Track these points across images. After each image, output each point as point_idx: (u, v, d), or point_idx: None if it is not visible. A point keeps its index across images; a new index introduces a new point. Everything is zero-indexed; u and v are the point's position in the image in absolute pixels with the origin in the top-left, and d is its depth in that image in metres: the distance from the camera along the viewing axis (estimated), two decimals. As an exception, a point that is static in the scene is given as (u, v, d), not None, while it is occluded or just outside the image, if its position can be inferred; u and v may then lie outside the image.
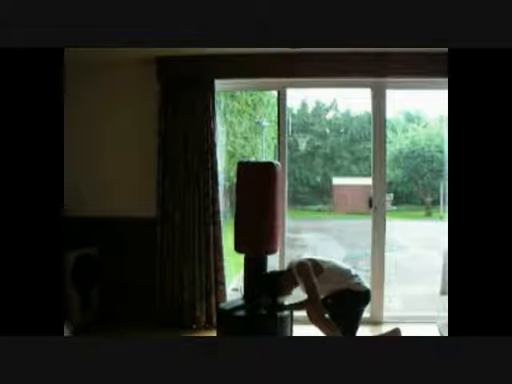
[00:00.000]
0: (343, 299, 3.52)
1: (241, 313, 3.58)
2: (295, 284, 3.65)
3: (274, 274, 3.76)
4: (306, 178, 11.27)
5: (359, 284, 3.58)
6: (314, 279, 3.53)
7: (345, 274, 3.62)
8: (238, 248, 3.72)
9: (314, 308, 3.52)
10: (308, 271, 3.55)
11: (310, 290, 3.53)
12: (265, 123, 9.42)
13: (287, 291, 3.68)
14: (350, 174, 10.97)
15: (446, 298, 3.48)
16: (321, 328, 3.54)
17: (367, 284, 3.67)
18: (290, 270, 3.67)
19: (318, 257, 3.72)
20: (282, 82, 4.49)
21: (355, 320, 3.57)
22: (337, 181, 11.24)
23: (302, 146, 10.81)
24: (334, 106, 10.94)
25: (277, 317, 3.53)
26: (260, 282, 3.66)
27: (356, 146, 10.88)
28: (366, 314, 4.29)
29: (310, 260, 3.64)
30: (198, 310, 4.34)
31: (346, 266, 3.73)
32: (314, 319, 3.54)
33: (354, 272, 3.66)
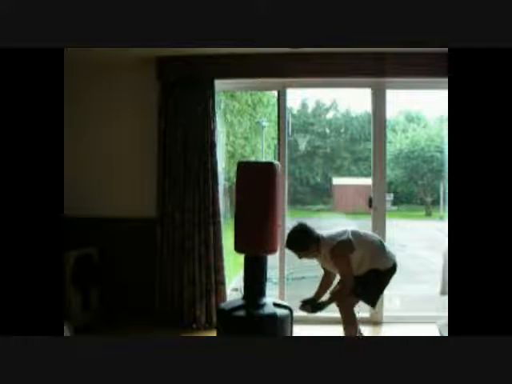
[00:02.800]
0: (368, 279, 3.50)
1: (241, 313, 3.58)
2: (316, 255, 3.54)
3: (306, 228, 3.57)
4: (306, 178, 11.29)
5: (386, 261, 3.53)
6: (351, 267, 3.45)
7: (377, 253, 3.54)
8: (238, 248, 3.72)
9: (346, 295, 3.49)
10: (346, 253, 3.45)
11: (345, 275, 3.48)
12: (265, 123, 9.44)
13: (306, 255, 3.56)
14: (349, 173, 10.99)
15: (446, 298, 3.48)
16: (346, 319, 3.52)
17: (395, 256, 3.61)
18: (319, 239, 3.52)
19: (357, 231, 3.57)
20: (282, 81, 4.48)
21: (380, 290, 3.61)
22: (337, 181, 11.26)
23: (302, 146, 10.83)
24: (333, 105, 10.96)
25: (277, 317, 3.53)
26: (291, 233, 3.58)
27: (356, 146, 10.90)
28: (365, 313, 4.30)
29: (353, 234, 3.53)
30: (198, 309, 4.34)
31: (378, 241, 3.63)
32: (344, 309, 3.52)
33: (385, 247, 3.60)
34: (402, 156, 11.43)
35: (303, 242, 3.52)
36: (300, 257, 3.60)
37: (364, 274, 3.52)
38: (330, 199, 11.51)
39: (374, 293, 3.58)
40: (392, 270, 3.58)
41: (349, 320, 3.54)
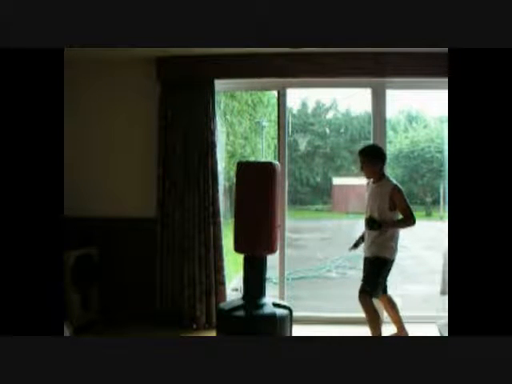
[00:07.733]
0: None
1: (240, 313, 3.58)
2: (374, 176, 3.77)
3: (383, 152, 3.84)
4: (306, 178, 11.28)
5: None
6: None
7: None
8: (238, 248, 3.72)
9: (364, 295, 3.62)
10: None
11: (407, 209, 3.70)
12: (265, 123, 9.43)
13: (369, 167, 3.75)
14: (349, 173, 10.98)
15: (445, 298, 3.48)
16: (367, 317, 3.63)
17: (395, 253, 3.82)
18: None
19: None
20: (282, 81, 4.49)
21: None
22: (337, 181, 11.24)
23: (302, 146, 10.82)
24: (333, 106, 10.95)
25: (276, 317, 3.53)
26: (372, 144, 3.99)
27: (356, 146, 10.87)
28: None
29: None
30: (197, 310, 4.34)
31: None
32: (363, 304, 3.62)
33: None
34: (402, 156, 11.42)
35: (378, 154, 3.76)
36: (361, 167, 3.77)
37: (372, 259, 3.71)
38: (329, 199, 11.50)
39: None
40: (391, 262, 3.74)
41: (370, 317, 3.61)
